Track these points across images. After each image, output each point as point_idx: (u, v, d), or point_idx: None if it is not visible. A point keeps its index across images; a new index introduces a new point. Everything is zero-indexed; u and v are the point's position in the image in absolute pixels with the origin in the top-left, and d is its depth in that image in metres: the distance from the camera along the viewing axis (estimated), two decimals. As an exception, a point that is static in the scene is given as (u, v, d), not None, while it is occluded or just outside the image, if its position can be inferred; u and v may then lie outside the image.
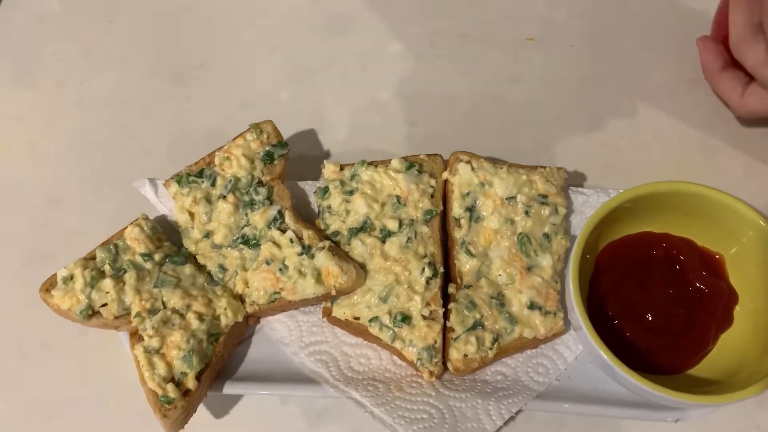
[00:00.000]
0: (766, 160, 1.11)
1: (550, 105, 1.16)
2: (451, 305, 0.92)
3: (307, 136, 1.14)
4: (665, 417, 0.90)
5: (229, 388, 0.91)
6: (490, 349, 0.89)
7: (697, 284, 0.93)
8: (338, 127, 1.15)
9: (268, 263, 0.92)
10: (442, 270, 0.93)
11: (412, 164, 0.98)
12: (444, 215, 0.99)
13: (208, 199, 0.97)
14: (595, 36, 1.22)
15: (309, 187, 1.04)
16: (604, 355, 0.83)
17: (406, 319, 0.90)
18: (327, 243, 0.92)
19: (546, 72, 1.19)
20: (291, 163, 1.06)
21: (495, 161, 0.99)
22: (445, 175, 0.99)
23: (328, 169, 1.00)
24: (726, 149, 1.13)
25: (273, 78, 1.20)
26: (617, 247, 0.97)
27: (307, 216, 1.01)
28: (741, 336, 0.92)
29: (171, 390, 0.84)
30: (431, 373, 0.89)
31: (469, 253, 0.94)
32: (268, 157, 0.99)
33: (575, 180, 1.09)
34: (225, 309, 0.91)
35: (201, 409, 0.93)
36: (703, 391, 0.85)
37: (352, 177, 0.98)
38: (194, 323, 0.88)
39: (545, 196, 0.95)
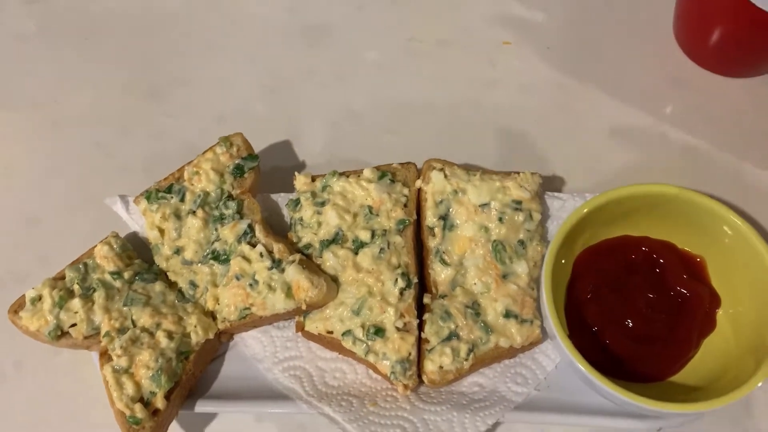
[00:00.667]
0: (748, 160, 1.10)
1: (528, 109, 1.15)
2: (426, 316, 0.90)
3: (282, 147, 1.14)
4: (648, 427, 0.87)
5: (201, 406, 0.90)
6: (466, 359, 0.88)
7: (678, 288, 0.91)
8: (315, 138, 1.15)
9: (238, 278, 0.91)
10: (416, 280, 0.92)
11: (384, 174, 0.97)
12: (418, 224, 0.97)
13: (178, 215, 0.96)
14: (572, 38, 1.21)
15: (282, 199, 1.03)
16: (580, 365, 0.81)
17: (379, 331, 0.88)
18: (297, 256, 0.91)
19: (523, 76, 1.18)
20: (266, 176, 1.05)
21: (469, 168, 0.98)
22: (418, 183, 0.98)
23: (300, 181, 0.99)
24: (709, 150, 1.11)
25: (249, 91, 1.20)
26: (595, 251, 0.95)
27: (279, 229, 1.00)
28: (724, 340, 0.90)
29: (138, 410, 0.83)
30: (406, 387, 0.87)
31: (443, 262, 0.93)
32: (238, 171, 0.98)
33: (555, 185, 1.08)
34: (195, 326, 0.90)
35: (174, 428, 0.92)
36: (685, 398, 0.83)
37: (324, 188, 0.97)
38: (163, 341, 0.87)
39: (519, 202, 0.94)
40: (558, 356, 0.92)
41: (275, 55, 1.23)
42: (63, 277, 0.92)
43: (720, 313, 0.92)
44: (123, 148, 1.16)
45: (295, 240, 0.96)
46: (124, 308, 0.90)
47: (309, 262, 0.92)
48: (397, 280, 0.90)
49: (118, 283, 0.91)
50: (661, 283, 0.92)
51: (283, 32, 1.24)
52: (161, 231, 0.96)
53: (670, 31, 1.20)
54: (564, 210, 0.98)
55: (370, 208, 0.95)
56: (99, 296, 0.90)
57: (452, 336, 0.88)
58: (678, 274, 0.92)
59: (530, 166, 0.99)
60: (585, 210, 0.88)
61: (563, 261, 0.93)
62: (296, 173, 0.99)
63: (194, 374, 0.90)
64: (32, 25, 1.28)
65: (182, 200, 0.96)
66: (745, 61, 1.14)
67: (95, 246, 0.94)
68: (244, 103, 1.19)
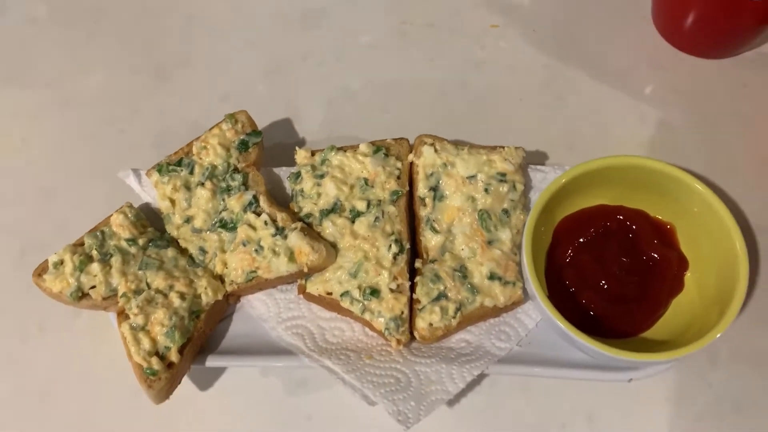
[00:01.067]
0: (719, 136, 1.16)
1: (514, 88, 1.21)
2: (417, 278, 0.97)
3: (283, 125, 1.20)
4: (619, 377, 0.94)
5: (212, 361, 0.97)
6: (454, 317, 0.95)
7: (650, 253, 0.98)
8: (313, 116, 1.21)
9: (244, 245, 0.98)
10: (408, 246, 0.99)
11: (379, 148, 1.04)
12: (410, 195, 1.04)
13: (188, 187, 1.02)
14: (557, 21, 1.28)
15: (284, 172, 1.09)
16: (556, 319, 0.88)
17: (374, 292, 0.95)
18: (299, 224, 0.97)
19: (510, 57, 1.24)
20: (267, 151, 1.11)
21: (458, 143, 1.05)
22: (411, 157, 1.04)
23: (300, 155, 1.05)
24: (683, 127, 1.18)
25: (250, 72, 1.26)
26: (573, 220, 1.02)
27: (282, 200, 1.06)
28: (690, 299, 0.97)
29: (155, 363, 0.90)
30: (398, 341, 0.94)
31: (433, 229, 1.00)
32: (243, 145, 1.05)
33: (538, 159, 1.15)
34: (205, 288, 0.97)
35: (186, 381, 0.99)
36: (652, 349, 0.90)
37: (323, 162, 1.04)
38: (176, 302, 0.94)
39: (504, 174, 1.01)
40: (538, 315, 0.99)
41: (275, 38, 1.29)
42: (82, 244, 0.98)
43: (688, 276, 0.98)
44: (133, 126, 1.22)
45: (296, 210, 1.03)
46: (139, 272, 0.97)
47: (310, 230, 0.99)
48: (390, 246, 0.97)
49: (133, 249, 0.98)
50: (634, 248, 0.98)
51: (283, 16, 1.31)
52: (172, 201, 1.03)
53: (649, 15, 1.27)
54: (545, 181, 1.04)
55: (365, 180, 1.02)
56: (116, 261, 0.96)
57: (441, 296, 0.95)
58: (650, 240, 0.98)
59: (515, 141, 1.05)
60: (563, 180, 0.95)
61: (543, 228, 1.00)
62: (297, 148, 1.06)
63: (205, 332, 0.97)
64: (44, 10, 1.34)
65: (191, 173, 1.03)
66: (719, 43, 1.20)
67: (111, 215, 1.01)
68: (245, 84, 1.25)
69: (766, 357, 1.01)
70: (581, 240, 1.00)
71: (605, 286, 0.97)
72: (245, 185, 1.02)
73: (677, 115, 1.19)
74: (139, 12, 1.33)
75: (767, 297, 1.04)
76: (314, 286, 0.98)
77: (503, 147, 1.03)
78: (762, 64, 1.22)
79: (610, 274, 0.97)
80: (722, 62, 1.23)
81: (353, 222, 1.00)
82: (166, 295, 0.95)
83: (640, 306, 0.97)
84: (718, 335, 0.86)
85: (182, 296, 0.95)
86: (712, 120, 1.18)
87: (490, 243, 0.99)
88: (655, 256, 0.98)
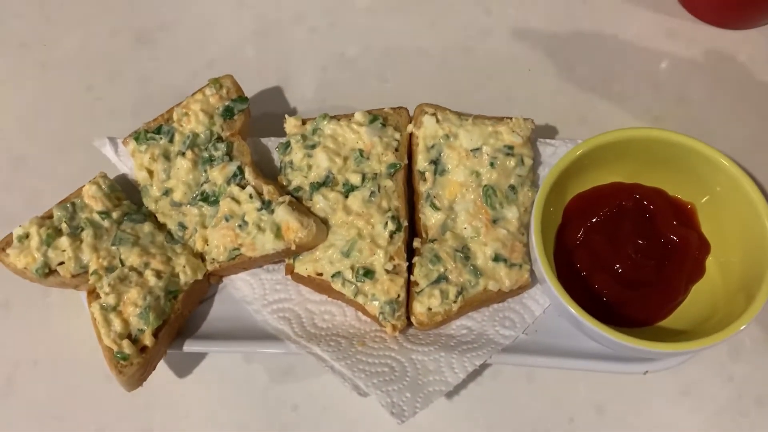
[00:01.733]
0: (742, 110, 1.10)
1: (522, 57, 1.14)
2: (416, 259, 0.90)
3: (273, 93, 1.13)
4: (634, 369, 0.88)
5: (190, 346, 0.90)
6: (454, 302, 0.88)
7: (669, 234, 0.91)
8: (306, 84, 1.14)
9: (227, 220, 0.91)
10: (405, 224, 0.92)
11: (375, 117, 0.96)
12: (409, 169, 0.97)
13: (167, 156, 0.95)
14: (568, -15, 1.20)
15: (272, 143, 1.02)
16: (568, 305, 0.81)
17: (368, 273, 0.88)
18: (287, 198, 0.90)
19: (518, 23, 1.17)
20: (255, 120, 1.04)
21: (461, 114, 0.97)
22: (410, 127, 0.97)
23: (290, 124, 0.98)
24: (703, 100, 1.11)
25: (239, 35, 1.18)
26: (586, 198, 0.95)
27: (270, 172, 0.99)
28: (712, 286, 0.91)
29: (126, 346, 0.83)
30: (394, 327, 0.88)
31: (434, 206, 0.93)
32: (228, 113, 0.97)
33: (547, 133, 1.08)
34: (184, 267, 0.90)
35: (163, 367, 0.92)
36: (670, 339, 0.83)
37: (314, 131, 0.96)
38: (152, 280, 0.87)
39: (511, 148, 0.93)
40: (546, 301, 0.93)
41: (264, -1, 1.21)
42: (51, 216, 0.91)
43: (710, 260, 0.92)
44: (112, 92, 1.15)
45: (285, 183, 0.96)
46: (113, 247, 0.89)
47: (299, 204, 0.92)
48: (387, 223, 0.90)
49: (106, 223, 0.91)
50: (651, 229, 0.92)
51: (274, -25, 1.23)
52: (150, 172, 0.96)
53: (668, -20, 1.19)
54: (556, 156, 0.98)
55: (360, 151, 0.94)
56: (87, 235, 0.89)
57: (441, 279, 0.88)
58: (668, 220, 0.92)
59: (522, 113, 0.98)
60: (576, 153, 0.88)
61: (552, 209, 0.93)
62: (286, 116, 0.98)
63: (183, 314, 0.90)
64: (18, -33, 1.25)
65: (171, 141, 0.95)
66: (742, 12, 1.13)
67: (83, 186, 0.93)
68: (233, 48, 1.17)
69: (791, 349, 0.94)
70: (594, 220, 0.93)
71: (619, 270, 0.90)
72: (229, 155, 0.95)
73: (696, 88, 1.12)
74: (120, -30, 1.25)
75: (794, 284, 0.96)
76: (303, 266, 0.92)
77: (510, 118, 0.96)
78: (788, 34, 1.15)
79: (625, 256, 0.90)
80: (744, 33, 1.16)
81: (346, 197, 0.93)
82: (140, 273, 0.88)
83: (657, 292, 0.90)
84: (743, 326, 0.79)
85: (158, 275, 0.88)
86: (734, 94, 1.11)
87: (495, 222, 0.92)
88: (674, 238, 0.91)
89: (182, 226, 0.94)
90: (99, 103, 1.14)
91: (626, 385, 0.93)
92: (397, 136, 0.96)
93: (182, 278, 0.89)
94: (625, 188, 0.95)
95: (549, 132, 1.08)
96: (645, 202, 0.93)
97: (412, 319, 0.89)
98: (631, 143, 0.90)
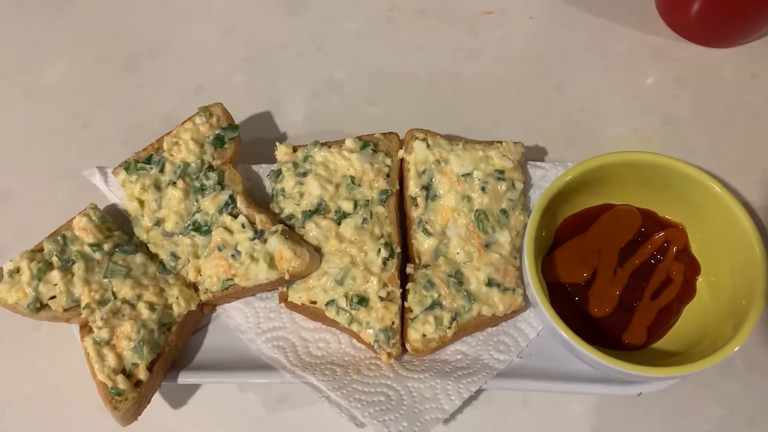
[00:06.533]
0: (728, 130, 1.10)
1: (510, 79, 1.15)
2: (409, 285, 0.90)
3: (262, 118, 1.12)
4: (628, 391, 0.88)
5: (185, 378, 0.89)
6: (449, 327, 0.88)
7: (659, 256, 0.92)
8: (295, 109, 1.14)
9: (220, 249, 0.90)
10: (399, 250, 0.92)
11: (366, 143, 0.96)
12: (401, 195, 0.97)
13: (158, 186, 0.94)
14: (554, 7, 1.21)
15: (263, 170, 1.02)
16: (561, 330, 0.81)
17: (362, 301, 0.88)
18: (280, 227, 0.90)
19: (505, 46, 1.18)
20: (246, 147, 1.04)
21: (452, 138, 0.97)
22: (401, 153, 0.97)
23: (281, 151, 0.97)
24: (689, 120, 1.11)
25: (227, 61, 1.18)
26: (576, 220, 0.95)
27: (262, 200, 0.99)
28: (703, 307, 0.91)
29: (121, 381, 0.82)
30: (389, 355, 0.87)
31: (426, 232, 0.93)
32: (219, 141, 0.96)
33: (536, 155, 1.08)
34: (177, 298, 0.89)
35: (157, 399, 0.91)
36: (664, 363, 0.84)
37: (305, 158, 0.96)
38: (145, 313, 0.86)
39: (502, 172, 0.94)
40: (540, 324, 0.92)
41: (253, 23, 1.21)
42: (41, 250, 0.90)
43: (700, 281, 0.92)
44: (100, 120, 1.14)
45: (277, 211, 0.95)
46: (105, 280, 0.89)
47: (291, 233, 0.91)
48: (380, 250, 0.90)
49: (97, 255, 0.90)
50: (642, 251, 0.92)
51: (262, 1, 1.22)
52: (141, 202, 0.95)
53: (652, 1, 1.20)
54: (546, 179, 0.98)
55: (352, 178, 0.94)
56: (78, 268, 0.88)
57: (435, 305, 0.88)
58: (658, 242, 0.92)
59: (512, 136, 0.99)
60: (568, 177, 0.88)
61: (543, 233, 0.93)
62: (277, 144, 0.98)
63: (177, 346, 0.89)
64: (2, -7, 1.25)
65: (162, 171, 0.95)
66: (726, 31, 1.14)
67: (73, 218, 0.93)
68: (222, 74, 1.17)
69: (782, 367, 0.94)
70: (585, 242, 0.93)
71: (612, 293, 0.90)
72: (221, 184, 0.94)
73: (682, 107, 1.12)
74: (106, -4, 1.24)
75: (783, 302, 0.97)
76: (297, 294, 0.91)
77: (501, 142, 0.96)
78: (771, 53, 1.16)
79: (617, 279, 0.90)
80: (729, 51, 1.17)
81: (339, 224, 0.93)
82: (133, 306, 0.87)
83: (649, 314, 0.90)
84: (736, 349, 0.79)
85: (152, 307, 0.87)
86: (719, 112, 1.12)
87: (487, 246, 0.92)
88: (665, 260, 0.91)
89: (174, 257, 0.93)
90: (87, 131, 1.13)
91: (621, 406, 0.93)
92: (389, 161, 0.96)
93: (176, 309, 0.89)
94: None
95: (538, 153, 1.08)
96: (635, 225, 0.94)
97: (407, 346, 0.89)
98: (620, 166, 0.90)
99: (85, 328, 0.87)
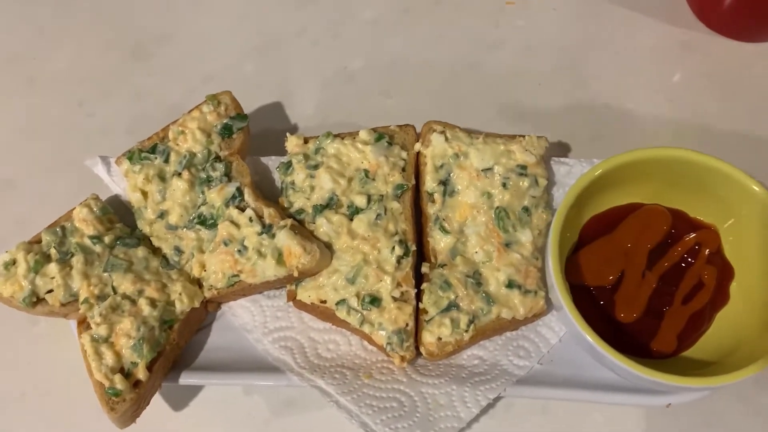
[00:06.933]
0: (761, 126, 1.06)
1: (532, 72, 1.11)
2: (424, 285, 0.86)
3: (273, 109, 1.10)
4: (656, 402, 0.84)
5: (186, 378, 0.86)
6: (466, 331, 0.84)
7: (690, 259, 0.87)
8: (307, 100, 1.11)
9: (226, 244, 0.87)
10: (414, 248, 0.88)
11: (381, 136, 0.93)
12: (417, 190, 0.93)
13: (162, 177, 0.91)
14: (580, -2, 1.16)
15: (273, 162, 0.99)
16: (587, 335, 0.77)
17: (375, 301, 0.84)
18: (289, 221, 0.86)
19: (527, 37, 1.15)
20: (255, 138, 1.01)
21: (471, 132, 0.93)
22: (418, 146, 0.93)
23: (291, 143, 0.94)
24: (720, 116, 1.08)
25: (238, 50, 1.16)
26: (602, 220, 0.91)
27: (271, 193, 0.96)
28: (737, 314, 0.87)
29: (118, 381, 0.79)
30: (402, 359, 0.84)
31: (443, 229, 0.89)
32: (226, 131, 0.93)
33: (559, 151, 1.05)
34: (180, 294, 0.86)
35: (158, 401, 0.88)
36: (696, 373, 0.79)
37: (317, 150, 0.92)
38: (146, 309, 0.83)
39: (524, 167, 0.89)
40: (562, 329, 0.89)
41: (265, 11, 1.19)
42: (39, 241, 0.88)
43: (733, 286, 0.88)
44: (105, 108, 1.12)
45: (286, 205, 0.92)
46: (104, 274, 0.86)
47: (301, 228, 0.88)
48: (394, 247, 0.86)
49: (97, 248, 0.87)
50: (672, 254, 0.88)
51: (275, -12, 1.19)
52: (144, 194, 0.92)
53: (682, -8, 1.16)
54: (571, 176, 0.94)
55: (366, 171, 0.91)
56: (77, 261, 0.86)
57: (452, 306, 0.85)
58: (689, 244, 0.88)
59: (532, 130, 0.95)
60: (596, 173, 0.84)
61: (568, 233, 0.88)
62: (288, 135, 0.95)
63: (179, 344, 0.86)
64: (9, -22, 1.22)
65: (167, 161, 0.92)
66: (758, 24, 1.10)
67: (74, 209, 0.90)
68: (232, 63, 1.15)
69: (820, 379, 0.89)
70: (612, 243, 0.89)
71: (640, 297, 0.86)
72: (228, 176, 0.91)
73: (712, 103, 1.09)
74: (115, -18, 1.22)
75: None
76: (306, 293, 0.88)
77: (523, 136, 0.92)
78: (807, 47, 1.12)
79: (646, 283, 0.86)
80: (762, 46, 1.12)
81: (351, 219, 0.89)
82: (134, 302, 0.84)
83: (680, 320, 0.85)
84: (773, 361, 0.74)
85: (153, 303, 0.84)
86: (751, 108, 1.08)
87: (507, 245, 0.88)
88: (697, 263, 0.87)
89: (178, 251, 0.90)
90: (91, 120, 1.11)
91: (645, 416, 0.89)
92: (404, 155, 0.93)
93: (178, 306, 0.85)
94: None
95: (561, 150, 1.04)
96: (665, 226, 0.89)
97: (422, 349, 0.85)
98: (651, 163, 0.86)
99: (83, 324, 0.84)
